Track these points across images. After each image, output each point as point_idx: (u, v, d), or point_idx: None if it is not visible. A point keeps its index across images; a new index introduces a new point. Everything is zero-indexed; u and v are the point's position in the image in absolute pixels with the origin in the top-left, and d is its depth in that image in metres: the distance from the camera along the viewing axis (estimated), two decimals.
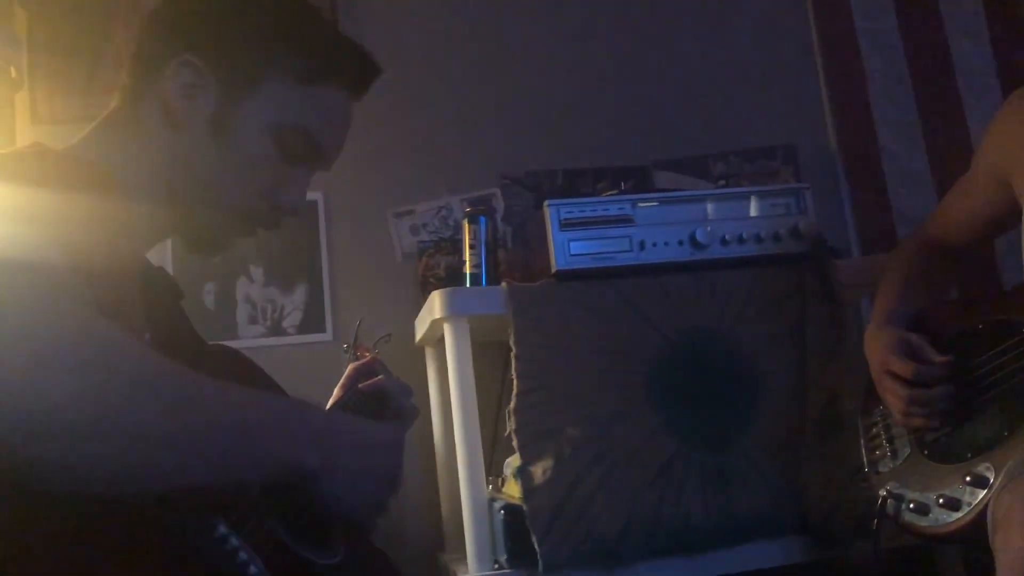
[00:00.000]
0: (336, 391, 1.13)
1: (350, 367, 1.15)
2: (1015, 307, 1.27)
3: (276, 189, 0.97)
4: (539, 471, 1.53)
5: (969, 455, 1.26)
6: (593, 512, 1.52)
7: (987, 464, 1.22)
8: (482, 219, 1.77)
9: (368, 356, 1.15)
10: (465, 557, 1.57)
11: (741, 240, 1.67)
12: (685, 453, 1.58)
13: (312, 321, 2.10)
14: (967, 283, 1.93)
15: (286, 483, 0.80)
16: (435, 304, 1.60)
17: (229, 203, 0.96)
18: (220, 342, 1.11)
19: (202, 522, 0.76)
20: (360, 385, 1.10)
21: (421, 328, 1.85)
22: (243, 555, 0.77)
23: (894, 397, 1.33)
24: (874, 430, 1.46)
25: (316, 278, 2.12)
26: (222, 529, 0.77)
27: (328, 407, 1.11)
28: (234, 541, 0.77)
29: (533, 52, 2.29)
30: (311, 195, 2.12)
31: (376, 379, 1.09)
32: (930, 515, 1.28)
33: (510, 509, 1.52)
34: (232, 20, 0.95)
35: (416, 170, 2.19)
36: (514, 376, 1.56)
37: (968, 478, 1.23)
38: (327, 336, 2.09)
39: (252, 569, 0.77)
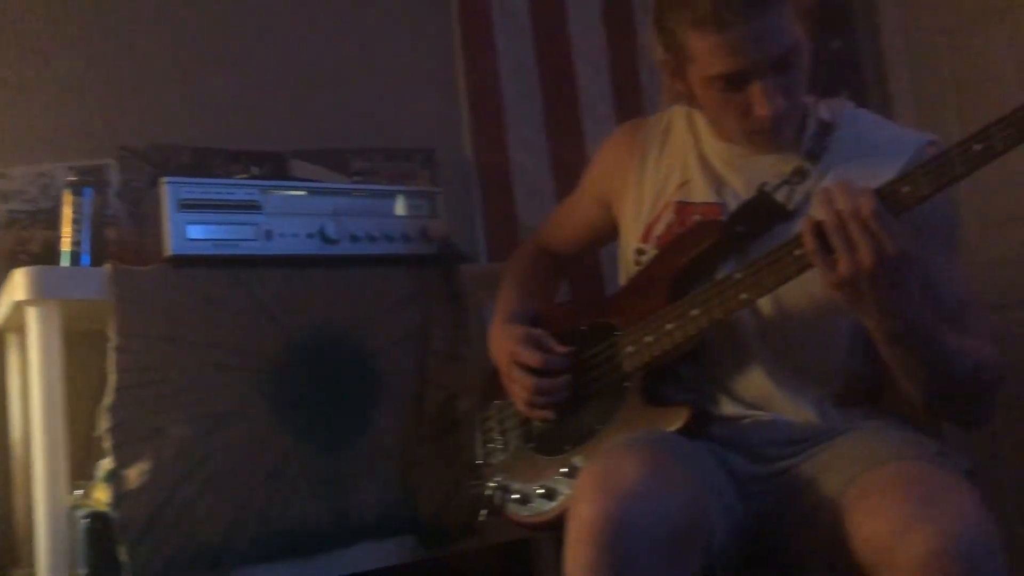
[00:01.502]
0: None
1: None
2: (613, 312, 1.39)
3: None
4: (134, 474, 1.40)
5: (567, 447, 1.34)
6: (194, 517, 1.43)
7: (581, 456, 1.31)
8: (87, 191, 1.60)
9: None
10: (39, 572, 1.39)
11: (372, 238, 1.67)
12: (300, 453, 1.54)
13: None
14: (576, 287, 2.10)
15: None
16: (18, 284, 1.39)
17: None
18: None
19: None
20: None
21: (1, 311, 1.60)
22: None
23: (521, 387, 1.39)
24: (488, 424, 1.52)
25: None
26: None
27: None
28: None
29: (171, 13, 2.10)
30: None
31: None
32: (530, 505, 1.35)
33: (96, 516, 1.38)
34: None
35: (13, 127, 1.90)
36: (112, 369, 1.41)
37: (564, 469, 1.32)
38: None
39: None
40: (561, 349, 1.39)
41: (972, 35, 2.26)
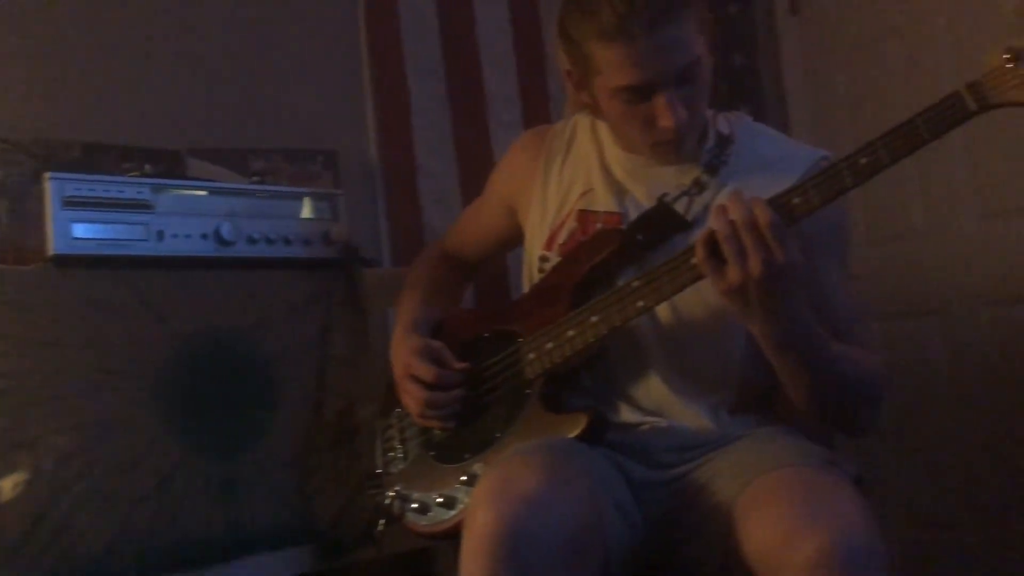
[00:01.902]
0: None
1: None
2: (516, 319, 1.38)
3: None
4: (9, 486, 1.34)
5: (467, 456, 1.34)
6: (75, 530, 1.37)
7: (482, 464, 1.30)
8: None
9: None
10: None
11: (270, 241, 1.63)
12: (190, 462, 1.49)
13: None
14: (482, 293, 2.10)
15: None
16: None
17: None
18: None
19: None
20: None
21: None
22: None
23: (413, 399, 1.38)
24: (389, 432, 1.50)
25: None
26: None
27: None
28: None
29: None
30: None
31: None
32: (429, 514, 1.34)
33: None
34: None
35: None
36: None
37: (464, 477, 1.31)
38: None
39: None
40: (457, 365, 1.39)
41: (867, 53, 2.35)
